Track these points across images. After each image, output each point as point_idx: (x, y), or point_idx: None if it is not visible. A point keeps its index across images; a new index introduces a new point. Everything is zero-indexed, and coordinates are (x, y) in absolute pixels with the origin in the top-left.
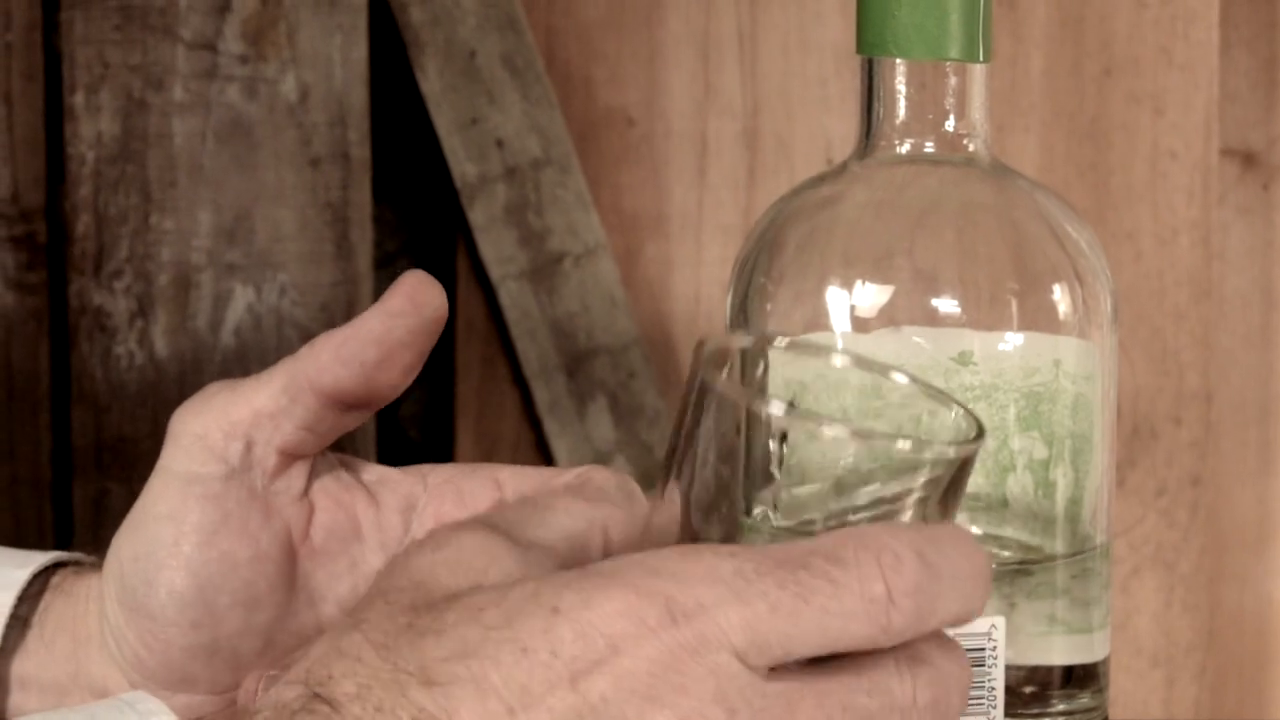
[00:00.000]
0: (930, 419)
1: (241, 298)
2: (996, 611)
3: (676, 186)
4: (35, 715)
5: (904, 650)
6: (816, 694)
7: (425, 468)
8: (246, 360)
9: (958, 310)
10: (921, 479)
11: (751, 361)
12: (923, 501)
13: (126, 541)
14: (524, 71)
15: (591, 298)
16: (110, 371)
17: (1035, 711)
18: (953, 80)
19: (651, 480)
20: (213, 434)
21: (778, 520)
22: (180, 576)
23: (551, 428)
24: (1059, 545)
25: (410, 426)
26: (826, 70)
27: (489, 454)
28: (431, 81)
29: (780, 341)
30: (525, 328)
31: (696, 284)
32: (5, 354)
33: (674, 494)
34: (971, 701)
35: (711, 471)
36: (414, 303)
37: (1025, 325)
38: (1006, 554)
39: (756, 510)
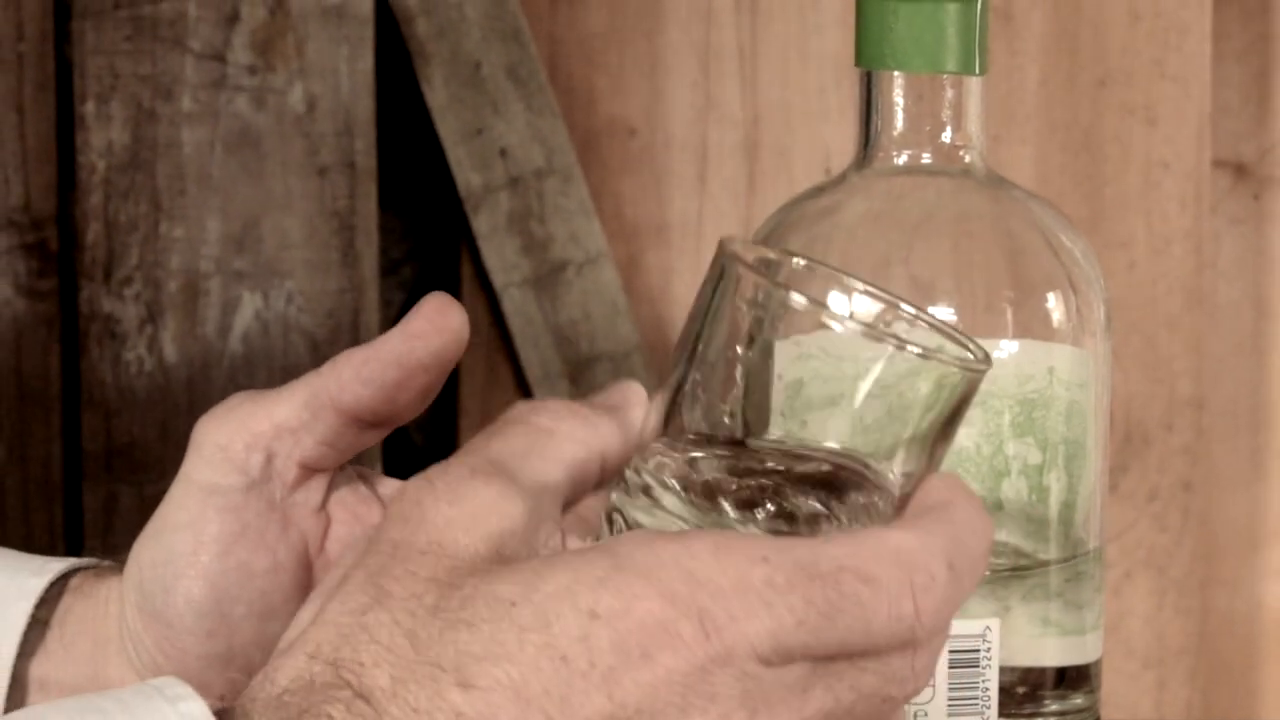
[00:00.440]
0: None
1: (249, 304)
2: (991, 614)
3: (677, 196)
4: (64, 700)
5: None
6: (827, 677)
7: None
8: (254, 366)
9: (954, 318)
10: (922, 399)
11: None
12: (919, 435)
13: (147, 548)
14: (527, 82)
15: (593, 305)
16: (120, 377)
17: (1029, 712)
18: (949, 93)
19: None
20: (234, 445)
21: (778, 431)
22: (198, 586)
23: None
24: (1052, 549)
25: (414, 431)
26: (826, 82)
27: None
28: (437, 92)
29: (799, 262)
30: (528, 334)
31: (696, 290)
32: (17, 359)
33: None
34: (966, 702)
35: (715, 359)
36: (435, 326)
37: (1020, 333)
38: (1001, 558)
39: (775, 430)
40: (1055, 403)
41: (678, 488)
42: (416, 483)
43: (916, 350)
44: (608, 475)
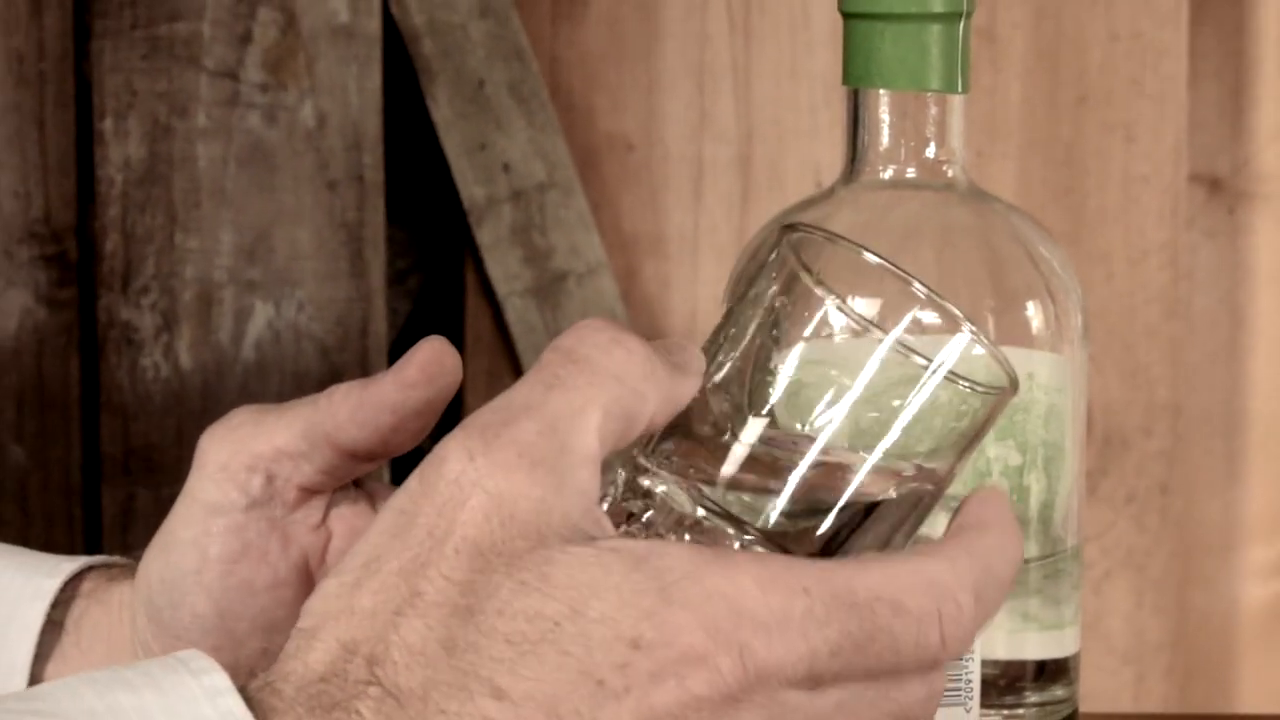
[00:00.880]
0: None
1: (261, 313)
2: None
3: (674, 209)
4: (93, 672)
5: None
6: (849, 698)
7: None
8: (266, 372)
9: (938, 325)
10: (953, 416)
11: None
12: (942, 448)
13: (154, 563)
14: (529, 100)
15: (593, 313)
16: (137, 383)
17: (1010, 703)
18: (933, 110)
19: None
20: (235, 465)
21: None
22: (202, 602)
23: None
24: (1032, 547)
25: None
26: (816, 100)
27: None
28: (442, 109)
29: (870, 256)
30: (530, 342)
31: (693, 301)
32: (38, 366)
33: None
34: (949, 694)
35: (748, 346)
36: (427, 375)
37: (1001, 340)
38: None
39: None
40: (1035, 407)
41: (699, 485)
42: (457, 453)
43: (946, 373)
44: (650, 432)
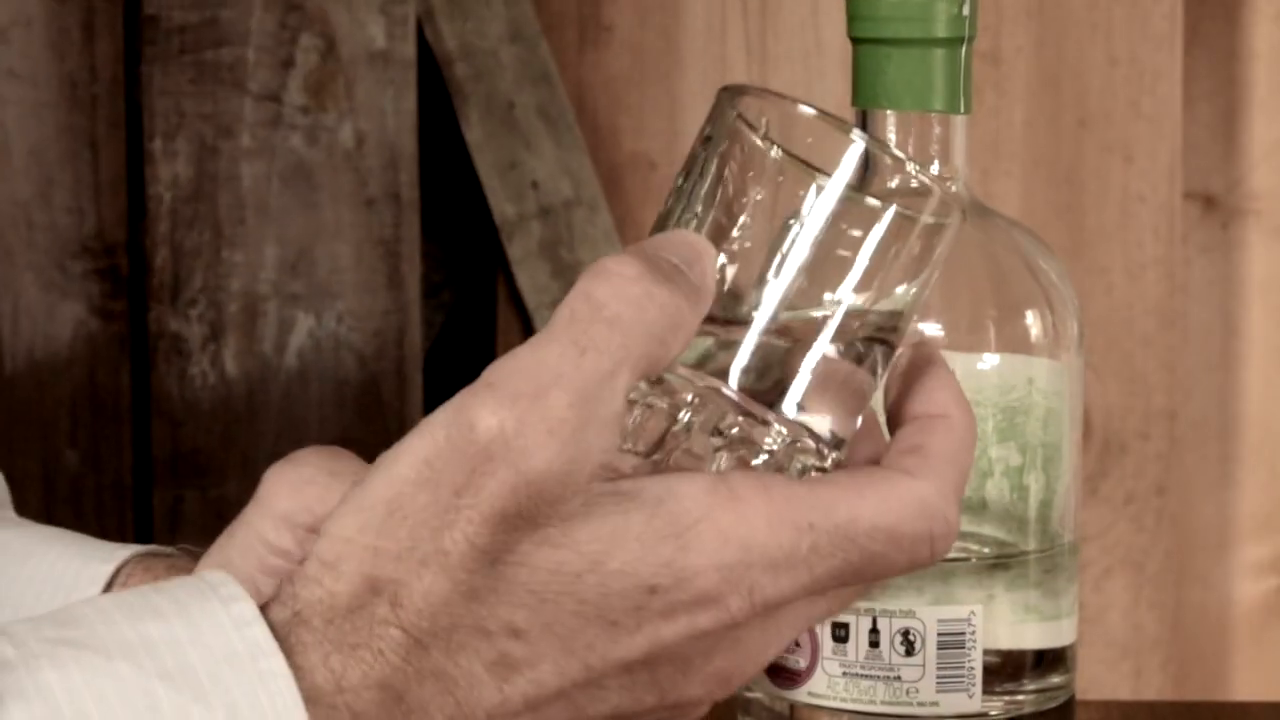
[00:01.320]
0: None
1: (303, 324)
2: (976, 601)
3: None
4: (124, 594)
5: None
6: (842, 599)
7: None
8: (307, 380)
9: (941, 333)
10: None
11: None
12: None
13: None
14: (557, 121)
15: None
16: (185, 390)
17: (1011, 690)
18: (937, 129)
19: None
20: (298, 521)
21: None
22: None
23: None
24: (1031, 542)
25: None
26: None
27: None
28: (474, 130)
29: (808, 109)
30: None
31: None
32: (91, 374)
33: None
34: (952, 681)
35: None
36: None
37: (1002, 347)
38: (985, 550)
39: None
40: (1034, 410)
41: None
42: (489, 422)
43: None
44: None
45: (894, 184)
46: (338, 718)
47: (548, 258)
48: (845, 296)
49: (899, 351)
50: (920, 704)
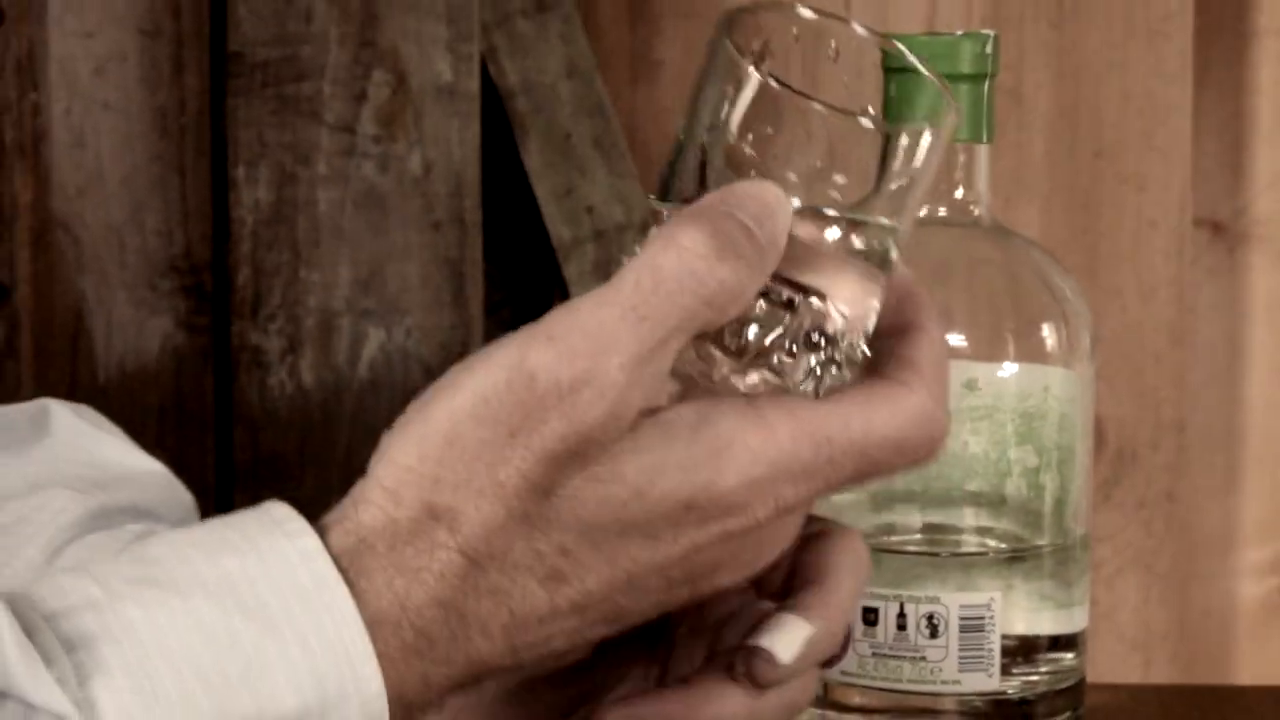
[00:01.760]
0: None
1: (375, 338)
2: (996, 590)
3: None
4: (194, 529)
5: None
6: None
7: None
8: (379, 390)
9: (965, 345)
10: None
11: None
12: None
13: None
14: (610, 150)
15: None
16: (265, 399)
17: (1026, 670)
18: (961, 158)
19: None
20: None
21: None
22: None
23: None
24: (1046, 537)
25: None
26: None
27: None
28: (533, 158)
29: (804, 10)
30: None
31: None
32: (177, 385)
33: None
34: (974, 660)
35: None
36: None
37: (1020, 357)
38: (1004, 544)
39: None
40: (1049, 415)
41: None
42: (546, 376)
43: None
44: None
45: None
46: (403, 635)
47: (601, 277)
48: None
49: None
50: (943, 682)
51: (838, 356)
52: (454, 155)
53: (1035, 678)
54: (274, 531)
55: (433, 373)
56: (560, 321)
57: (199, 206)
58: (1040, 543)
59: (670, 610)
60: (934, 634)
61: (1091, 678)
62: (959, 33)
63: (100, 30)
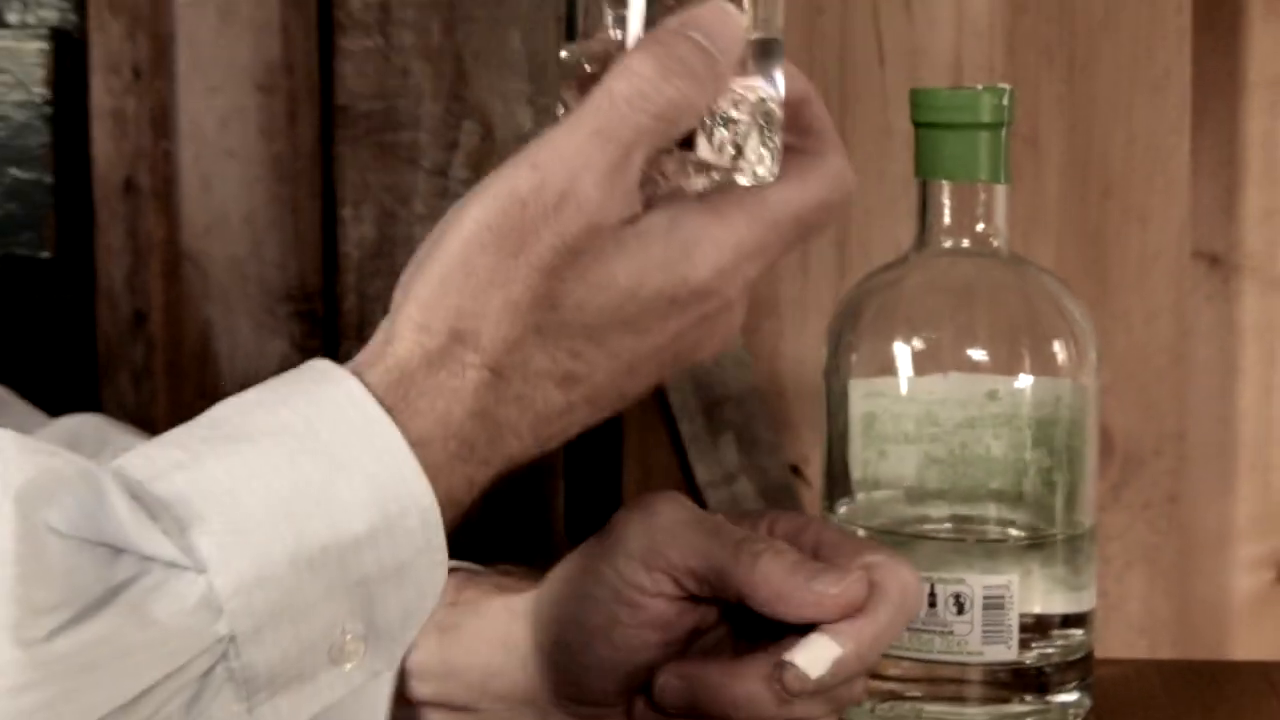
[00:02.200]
0: None
1: None
2: (1015, 574)
3: (785, 279)
4: (258, 393)
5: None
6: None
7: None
8: None
9: (987, 359)
10: None
11: None
12: None
13: (557, 591)
14: None
15: (723, 359)
16: None
17: (1041, 644)
18: (982, 196)
19: (770, 499)
20: (652, 564)
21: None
22: (599, 643)
23: (693, 455)
24: (1058, 527)
25: (589, 461)
26: (897, 191)
27: (647, 477)
28: None
29: None
30: (674, 381)
31: (801, 350)
32: None
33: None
34: (995, 634)
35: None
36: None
37: (1035, 371)
38: (1022, 534)
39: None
40: (1060, 422)
41: None
42: (534, 200)
43: None
44: None
45: None
46: (448, 448)
47: None
48: None
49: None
50: (969, 654)
51: (770, 144)
52: None
53: (1049, 650)
54: (322, 381)
55: None
56: (539, 151)
57: (311, 242)
58: (1053, 532)
59: (665, 383)
60: (960, 611)
61: (1099, 653)
62: (980, 87)
63: (223, 87)
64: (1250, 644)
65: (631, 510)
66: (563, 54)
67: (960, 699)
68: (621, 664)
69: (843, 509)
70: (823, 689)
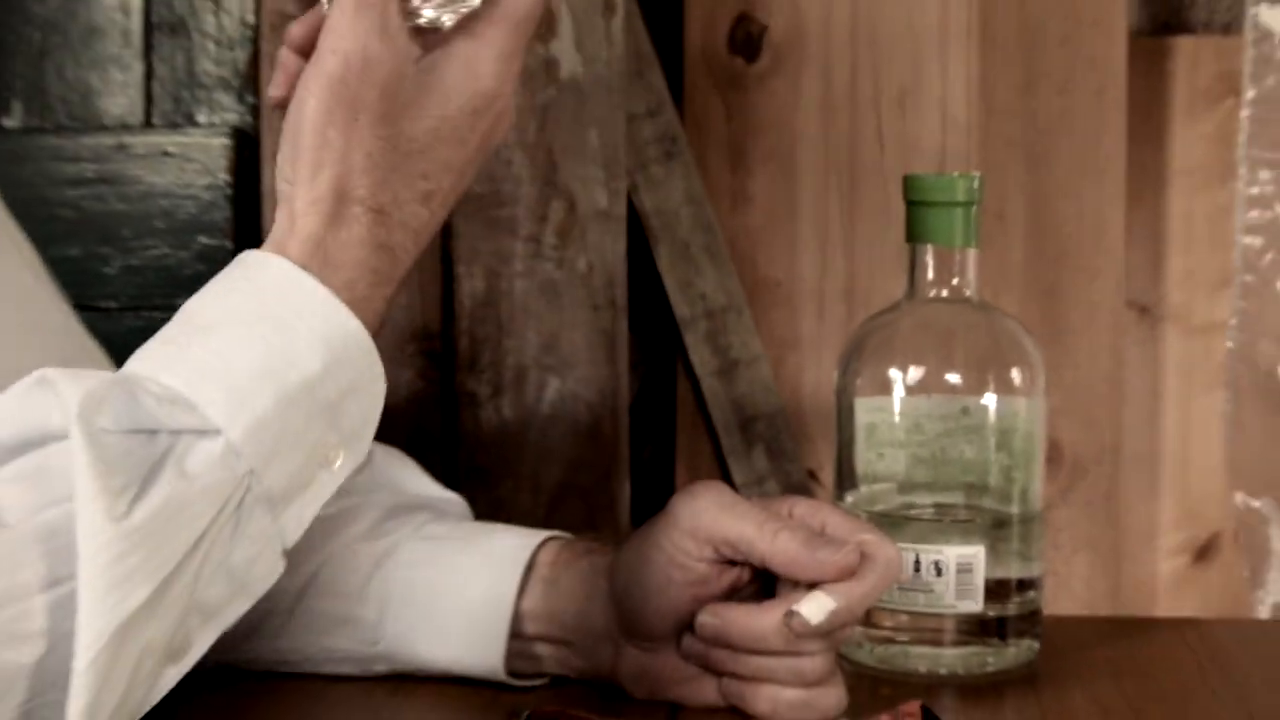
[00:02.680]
0: None
1: (553, 385)
2: (981, 545)
3: (804, 322)
4: (203, 289)
5: None
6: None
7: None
8: (556, 421)
9: (961, 383)
10: None
11: None
12: None
13: (631, 571)
14: (716, 254)
15: (755, 387)
16: (478, 428)
17: (1001, 600)
18: (958, 258)
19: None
20: (700, 536)
21: None
22: (655, 599)
23: (731, 462)
24: (1015, 510)
25: (649, 465)
26: (890, 254)
27: (693, 480)
28: (663, 260)
29: None
30: (716, 403)
31: (817, 377)
32: (418, 418)
33: None
34: (965, 593)
35: None
36: None
37: (998, 391)
38: (987, 516)
39: None
40: (1018, 432)
41: None
42: (346, 71)
43: None
44: None
45: None
46: (366, 279)
47: (710, 344)
48: None
49: None
50: (944, 607)
51: None
52: (608, 258)
53: (1008, 606)
54: (257, 268)
55: (593, 409)
56: (328, 39)
57: (433, 294)
58: (1011, 514)
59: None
60: (939, 574)
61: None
62: (957, 174)
63: None
64: (1171, 614)
65: (682, 495)
66: None
67: (938, 643)
68: (673, 610)
69: (849, 498)
70: (820, 632)
